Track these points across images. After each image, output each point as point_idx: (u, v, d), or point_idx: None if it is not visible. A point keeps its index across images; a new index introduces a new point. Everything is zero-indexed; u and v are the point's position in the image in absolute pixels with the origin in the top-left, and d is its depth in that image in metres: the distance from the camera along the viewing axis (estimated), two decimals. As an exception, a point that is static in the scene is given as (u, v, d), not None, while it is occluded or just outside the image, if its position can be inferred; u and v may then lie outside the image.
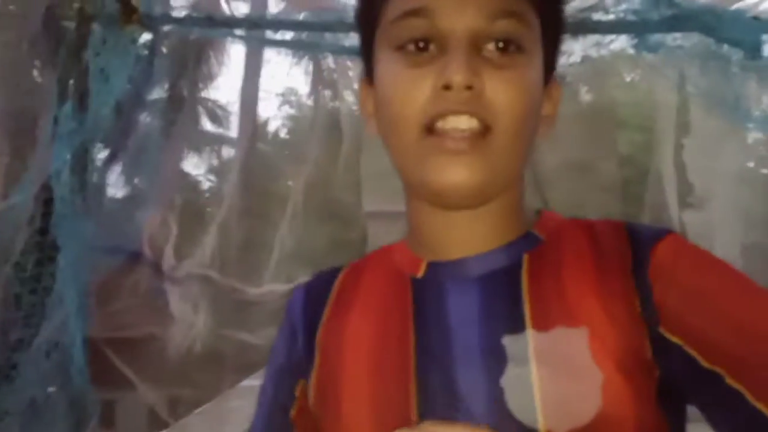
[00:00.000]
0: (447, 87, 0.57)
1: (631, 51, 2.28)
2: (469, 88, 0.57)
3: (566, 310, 0.58)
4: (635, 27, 2.12)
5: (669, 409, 0.58)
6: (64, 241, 2.21)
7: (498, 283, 0.61)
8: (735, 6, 2.04)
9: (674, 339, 0.55)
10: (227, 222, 2.70)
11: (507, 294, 0.60)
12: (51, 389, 2.33)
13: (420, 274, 0.64)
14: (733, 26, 1.99)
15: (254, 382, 2.83)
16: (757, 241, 2.60)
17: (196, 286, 2.65)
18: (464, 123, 0.57)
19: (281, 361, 0.70)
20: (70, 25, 2.15)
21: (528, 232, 0.64)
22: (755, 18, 1.97)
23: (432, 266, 0.64)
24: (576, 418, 0.54)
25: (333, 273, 0.71)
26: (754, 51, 1.98)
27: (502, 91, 0.58)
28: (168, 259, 2.65)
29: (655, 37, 2.14)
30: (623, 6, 2.09)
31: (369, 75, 0.66)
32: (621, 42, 2.20)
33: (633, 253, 0.59)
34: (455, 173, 0.57)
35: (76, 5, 2.14)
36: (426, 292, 0.63)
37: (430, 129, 0.58)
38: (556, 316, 0.58)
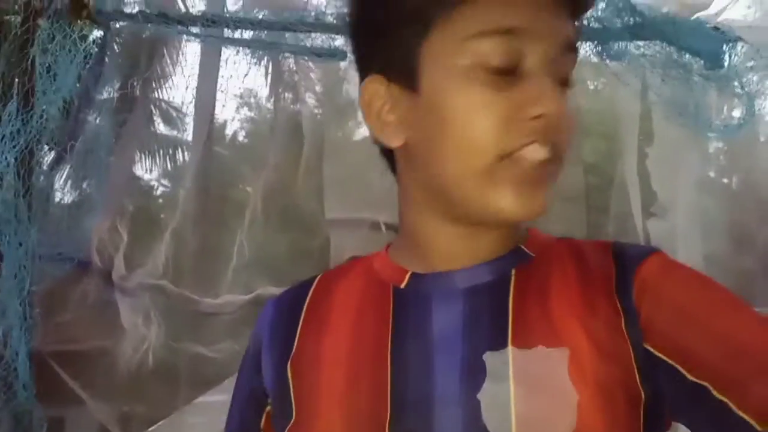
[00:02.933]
0: (539, 117, 0.56)
1: (595, 59, 2.29)
2: (561, 118, 0.58)
3: (548, 330, 0.58)
4: (598, 34, 2.12)
5: None
6: (7, 248, 2.10)
7: (484, 297, 0.60)
8: (696, 16, 2.06)
9: (660, 354, 0.56)
10: (182, 229, 2.60)
11: (492, 309, 0.60)
12: (-6, 405, 2.22)
13: (403, 284, 0.63)
14: (693, 36, 2.00)
15: (211, 398, 2.74)
16: (718, 251, 2.63)
17: (148, 297, 2.55)
18: (544, 153, 0.58)
19: (246, 388, 0.69)
20: (15, 19, 2.06)
21: (517, 248, 0.64)
22: (715, 28, 1.98)
23: (416, 277, 0.63)
24: None
25: (304, 287, 0.69)
26: (714, 61, 2.00)
27: (568, 121, 0.59)
28: (118, 269, 2.54)
29: (619, 45, 2.15)
30: (587, 13, 2.09)
31: (401, 75, 0.61)
32: (585, 49, 2.20)
33: (617, 273, 0.59)
34: (535, 203, 0.58)
35: (21, -1, 2.05)
36: (408, 303, 0.61)
37: (505, 157, 0.57)
38: (538, 335, 0.58)
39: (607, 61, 2.25)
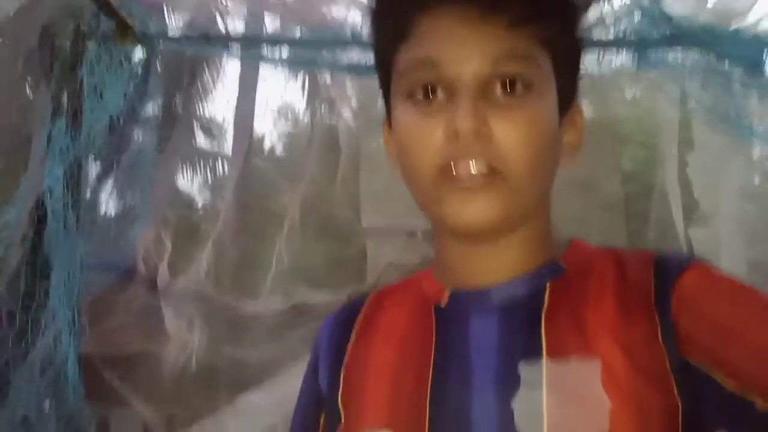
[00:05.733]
0: (455, 135, 0.59)
1: (632, 67, 2.27)
2: (477, 134, 0.59)
3: (582, 342, 0.59)
4: (635, 44, 2.10)
5: None
6: (57, 258, 2.19)
7: (518, 311, 0.63)
8: (734, 24, 2.02)
9: (700, 366, 0.57)
10: (222, 238, 2.67)
11: (526, 322, 0.62)
12: (45, 407, 2.30)
13: (443, 303, 0.66)
14: (732, 44, 1.97)
15: (251, 399, 2.78)
16: (763, 258, 2.55)
17: (191, 303, 2.61)
18: (474, 168, 0.60)
19: (307, 395, 0.74)
20: (65, 42, 2.15)
21: (553, 261, 0.65)
22: (755, 36, 1.95)
23: (455, 295, 0.66)
24: None
25: (358, 302, 0.74)
26: (754, 68, 1.97)
27: (511, 133, 0.59)
28: (163, 276, 2.62)
29: (656, 54, 2.12)
30: (623, 24, 2.08)
31: (388, 115, 0.69)
32: (622, 58, 2.18)
33: (657, 285, 0.60)
34: (470, 211, 0.60)
35: (71, 24, 2.14)
36: (449, 322, 0.64)
37: (443, 172, 0.60)
38: (572, 347, 0.59)
39: (644, 70, 2.23)
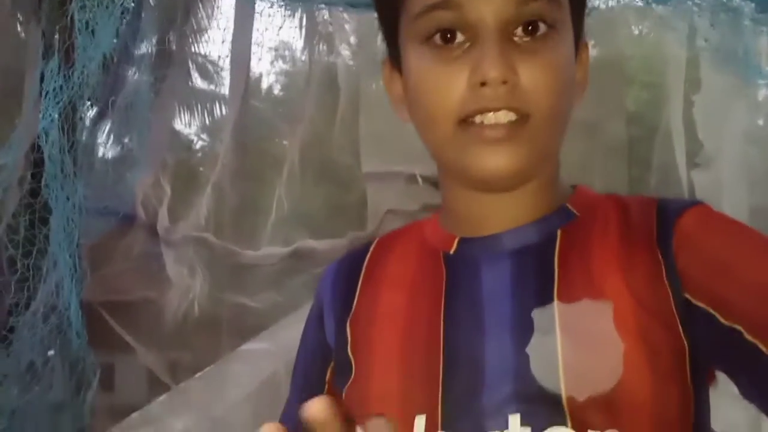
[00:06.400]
0: (483, 84, 0.57)
1: (640, 2, 2.20)
2: (505, 82, 0.57)
3: (592, 285, 0.60)
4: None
5: (701, 387, 0.59)
6: (55, 203, 2.17)
7: (530, 257, 0.62)
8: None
9: (696, 302, 0.58)
10: (221, 183, 2.65)
11: (538, 268, 0.62)
12: (50, 352, 2.33)
13: (452, 250, 0.65)
14: (745, -23, 1.90)
15: (254, 345, 2.82)
16: (764, 202, 2.54)
17: (192, 249, 2.61)
18: (502, 117, 0.58)
19: (310, 344, 0.73)
20: (53, -25, 2.06)
21: (562, 207, 0.65)
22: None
23: (464, 242, 0.65)
24: (597, 385, 0.56)
25: (362, 250, 0.72)
26: (765, 4, 1.91)
27: (538, 78, 0.58)
28: (163, 221, 2.60)
29: (666, -12, 2.06)
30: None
31: (392, 56, 0.65)
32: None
33: (658, 225, 0.60)
34: (496, 161, 0.59)
35: (59, -44, 2.05)
36: (458, 267, 0.65)
37: (466, 122, 0.59)
38: (582, 290, 0.59)
39: (653, 5, 2.16)
